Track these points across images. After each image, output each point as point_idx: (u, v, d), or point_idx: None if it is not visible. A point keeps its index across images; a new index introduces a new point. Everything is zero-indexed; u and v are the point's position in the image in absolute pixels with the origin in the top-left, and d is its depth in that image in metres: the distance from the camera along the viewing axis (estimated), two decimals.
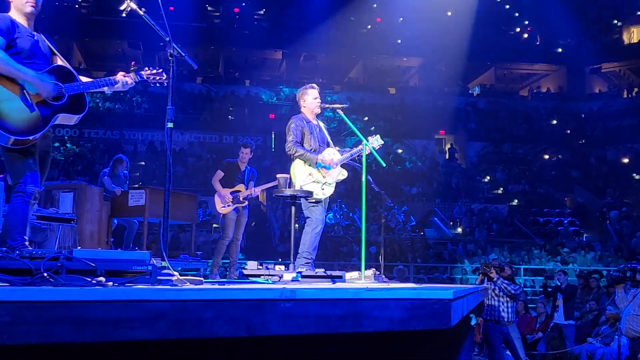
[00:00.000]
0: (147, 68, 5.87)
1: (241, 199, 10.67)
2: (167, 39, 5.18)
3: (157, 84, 5.84)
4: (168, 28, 5.17)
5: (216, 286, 4.23)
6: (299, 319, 3.02)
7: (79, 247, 8.41)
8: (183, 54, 5.28)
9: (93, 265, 4.00)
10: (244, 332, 2.90)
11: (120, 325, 2.67)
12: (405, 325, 3.23)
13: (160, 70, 5.83)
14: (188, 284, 4.33)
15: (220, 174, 10.79)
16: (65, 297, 2.64)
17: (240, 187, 10.73)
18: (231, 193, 10.63)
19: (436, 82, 39.20)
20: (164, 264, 4.73)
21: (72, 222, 9.15)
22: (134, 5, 5.29)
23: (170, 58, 5.15)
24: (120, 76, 5.62)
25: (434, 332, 3.42)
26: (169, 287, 3.74)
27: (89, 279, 3.72)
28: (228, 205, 10.59)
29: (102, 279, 3.81)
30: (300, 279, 6.50)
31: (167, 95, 5.12)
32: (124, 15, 5.38)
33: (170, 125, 5.06)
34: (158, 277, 4.30)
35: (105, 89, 5.56)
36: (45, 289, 2.88)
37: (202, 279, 4.97)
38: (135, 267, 4.24)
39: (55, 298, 2.61)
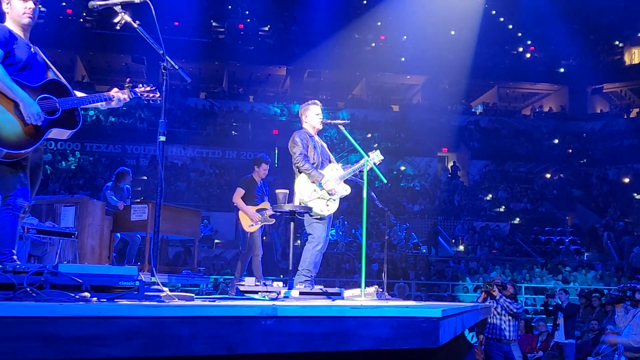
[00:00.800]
0: (140, 85, 5.80)
1: (267, 216, 10.45)
2: (161, 51, 5.11)
3: (151, 101, 5.77)
4: (162, 41, 5.09)
5: (198, 303, 4.14)
6: (280, 337, 2.92)
7: (65, 263, 8.35)
8: (177, 67, 5.20)
9: (79, 280, 3.92)
10: (223, 350, 2.80)
11: (93, 343, 2.57)
12: (392, 344, 3.14)
13: (154, 88, 5.75)
14: (176, 300, 4.24)
15: (241, 191, 10.43)
16: (36, 313, 2.54)
17: (266, 204, 10.52)
18: (258, 211, 10.41)
19: (439, 100, 39.18)
20: (153, 279, 4.63)
21: (72, 236, 9.06)
22: (128, 18, 5.22)
23: (163, 71, 5.09)
24: (114, 92, 5.55)
25: (428, 350, 3.33)
26: (148, 303, 3.64)
27: (73, 295, 3.63)
28: (256, 223, 10.36)
29: (86, 294, 3.71)
30: (290, 296, 6.39)
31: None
32: (118, 27, 5.32)
33: (162, 138, 4.97)
34: (146, 293, 4.20)
35: (100, 104, 5.48)
36: (14, 304, 2.78)
37: (193, 295, 4.86)
38: (122, 283, 4.16)
39: (26, 314, 2.51)
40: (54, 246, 8.82)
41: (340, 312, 3.09)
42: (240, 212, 10.38)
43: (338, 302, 5.82)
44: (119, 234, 11.29)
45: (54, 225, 9.21)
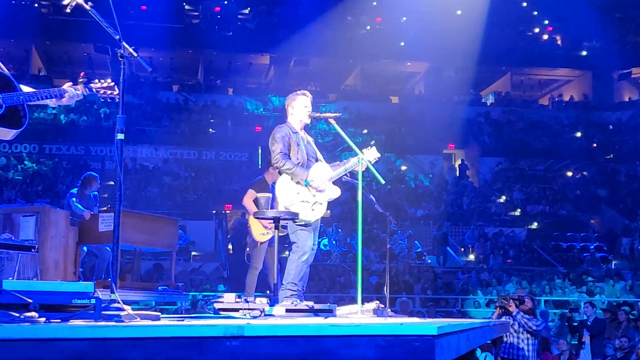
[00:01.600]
0: (97, 80, 5.76)
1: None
2: (117, 37, 5.08)
3: (108, 99, 5.73)
4: (119, 25, 5.06)
5: (164, 322, 4.11)
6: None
7: (10, 279, 8.31)
8: (135, 55, 5.17)
9: (27, 299, 3.89)
10: None
11: None
12: None
13: (112, 84, 5.70)
14: (138, 319, 4.22)
15: (253, 193, 10.05)
16: None
17: None
18: None
19: (444, 90, 39.15)
20: (113, 296, 4.61)
21: (32, 249, 9.00)
22: (79, 0, 5.18)
23: (120, 59, 5.05)
24: (67, 86, 5.50)
25: None
26: (100, 323, 3.61)
27: (18, 315, 3.60)
28: (268, 233, 10.06)
29: (34, 314, 3.69)
30: (274, 313, 6.36)
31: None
32: (68, 10, 5.29)
33: (120, 136, 4.95)
34: (104, 312, 4.18)
35: (49, 101, 5.44)
36: None
37: (159, 314, 4.84)
38: (76, 301, 4.14)
39: None
40: (12, 261, 8.77)
41: (318, 331, 3.06)
42: (251, 218, 10.05)
43: (330, 320, 5.79)
44: (85, 247, 11.24)
45: (12, 237, 9.16)
